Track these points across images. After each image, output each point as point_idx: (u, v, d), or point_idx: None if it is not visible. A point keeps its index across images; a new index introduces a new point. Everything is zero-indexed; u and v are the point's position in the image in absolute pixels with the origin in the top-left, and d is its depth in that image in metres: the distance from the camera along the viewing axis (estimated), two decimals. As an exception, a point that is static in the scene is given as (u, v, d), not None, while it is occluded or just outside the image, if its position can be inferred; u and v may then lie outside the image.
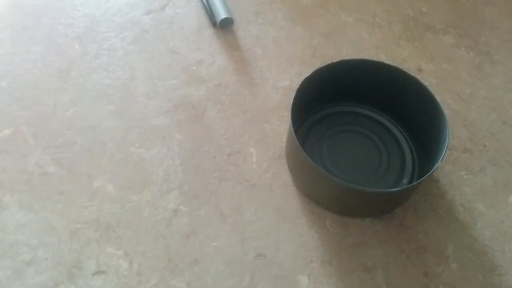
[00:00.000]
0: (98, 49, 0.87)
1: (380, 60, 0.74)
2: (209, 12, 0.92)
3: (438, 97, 0.69)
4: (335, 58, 0.70)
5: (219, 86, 0.84)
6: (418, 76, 0.71)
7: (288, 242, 0.69)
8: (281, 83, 0.85)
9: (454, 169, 0.77)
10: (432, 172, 0.62)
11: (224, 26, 0.91)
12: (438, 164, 0.63)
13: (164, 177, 0.73)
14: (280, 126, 0.80)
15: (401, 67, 0.73)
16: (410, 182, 0.72)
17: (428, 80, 0.86)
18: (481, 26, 0.95)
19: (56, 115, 0.79)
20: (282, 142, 0.78)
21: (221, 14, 0.89)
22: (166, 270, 0.66)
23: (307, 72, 0.68)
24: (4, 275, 0.64)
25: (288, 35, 0.92)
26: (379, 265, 0.67)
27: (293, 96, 0.68)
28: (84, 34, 0.89)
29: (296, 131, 0.72)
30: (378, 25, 0.94)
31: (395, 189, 0.70)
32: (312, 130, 0.77)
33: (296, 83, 0.84)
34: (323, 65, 0.72)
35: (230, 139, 0.78)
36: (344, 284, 0.66)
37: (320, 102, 0.79)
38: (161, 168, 0.74)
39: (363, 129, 0.78)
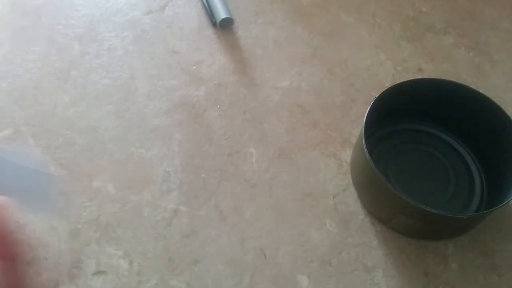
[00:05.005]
0: (98, 49, 0.87)
1: (461, 82, 0.72)
2: (209, 12, 0.92)
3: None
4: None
5: (219, 86, 0.84)
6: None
7: (288, 242, 0.69)
8: (281, 83, 0.85)
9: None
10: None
11: (224, 26, 0.91)
12: None
13: (164, 177, 0.73)
14: (280, 126, 0.80)
15: (482, 91, 0.70)
16: (479, 204, 0.71)
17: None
18: (481, 26, 0.95)
19: (56, 115, 0.79)
20: (282, 142, 0.78)
21: (221, 14, 0.89)
22: (166, 270, 0.66)
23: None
24: (4, 275, 0.64)
25: (288, 35, 0.92)
26: (379, 265, 0.67)
27: (367, 108, 0.66)
28: (84, 34, 0.89)
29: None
30: (378, 25, 0.94)
31: (477, 213, 0.69)
32: (380, 145, 0.75)
33: (296, 83, 0.84)
34: (404, 80, 0.70)
35: (230, 139, 0.78)
36: (344, 284, 0.66)
37: (391, 117, 0.76)
38: (161, 168, 0.74)
39: (431, 149, 0.76)
